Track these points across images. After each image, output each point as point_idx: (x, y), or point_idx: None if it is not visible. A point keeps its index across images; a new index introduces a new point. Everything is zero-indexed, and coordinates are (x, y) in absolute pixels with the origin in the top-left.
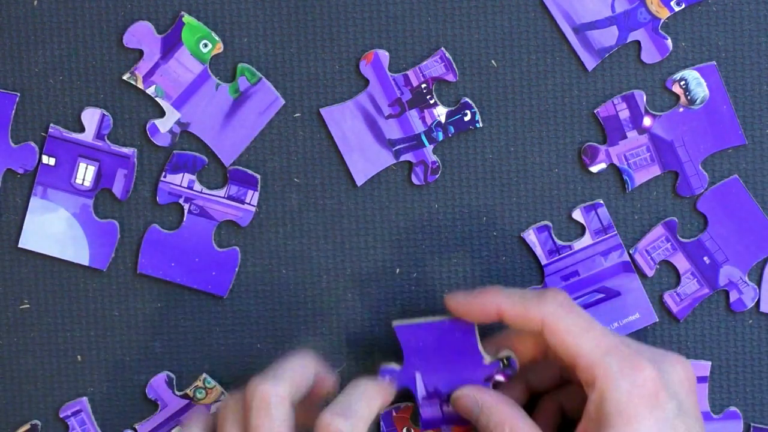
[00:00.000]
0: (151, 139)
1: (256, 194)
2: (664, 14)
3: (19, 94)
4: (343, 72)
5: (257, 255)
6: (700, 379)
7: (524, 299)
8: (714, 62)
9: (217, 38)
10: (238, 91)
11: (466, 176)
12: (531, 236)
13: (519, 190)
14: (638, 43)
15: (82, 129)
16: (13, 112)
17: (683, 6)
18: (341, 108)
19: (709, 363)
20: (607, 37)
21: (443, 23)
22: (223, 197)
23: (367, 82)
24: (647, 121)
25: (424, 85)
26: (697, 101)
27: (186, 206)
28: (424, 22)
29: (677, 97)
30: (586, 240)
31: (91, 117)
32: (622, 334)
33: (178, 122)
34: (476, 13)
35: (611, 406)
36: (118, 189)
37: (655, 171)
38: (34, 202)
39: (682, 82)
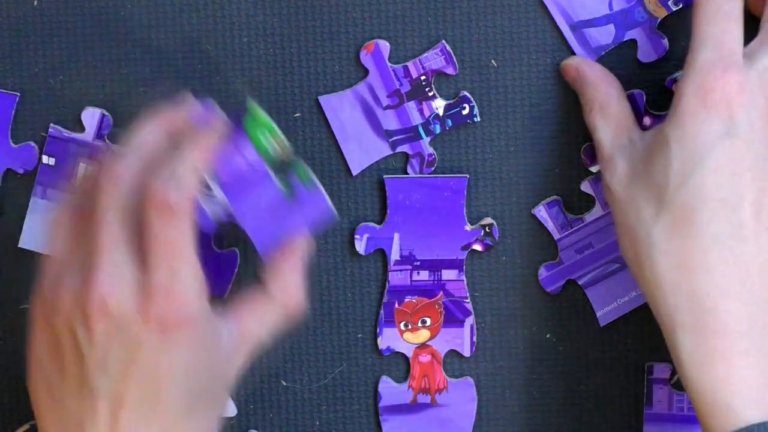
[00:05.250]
0: (197, 220)
1: None
2: (661, 13)
3: (18, 94)
4: (343, 72)
5: (257, 255)
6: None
7: None
8: None
9: (279, 134)
10: (289, 188)
11: (465, 170)
12: (542, 212)
13: (519, 189)
14: (635, 41)
15: (82, 129)
16: (13, 112)
17: (681, 6)
18: (339, 97)
19: None
20: (604, 35)
21: (443, 23)
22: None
23: (366, 72)
24: (647, 122)
25: (423, 77)
26: None
27: None
28: (424, 21)
29: None
30: (597, 211)
31: (91, 117)
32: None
33: (226, 209)
34: (476, 13)
35: (677, 96)
36: None
37: None
38: (34, 202)
39: None
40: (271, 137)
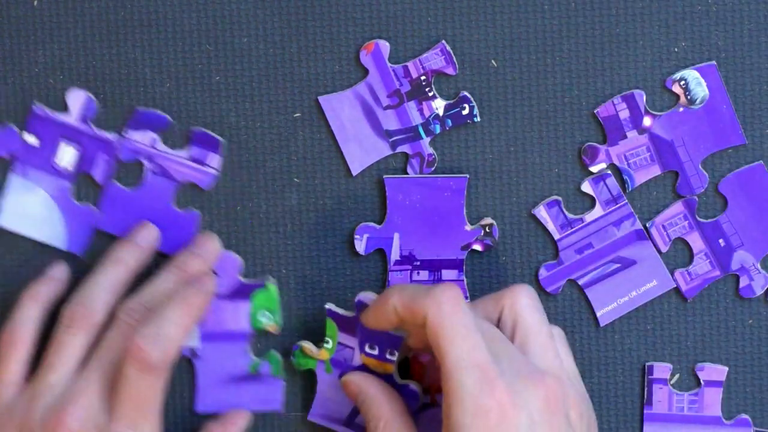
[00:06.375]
0: None
1: (218, 157)
2: None
3: None
4: (343, 72)
5: (257, 255)
6: (715, 384)
7: (414, 295)
8: (714, 62)
9: (279, 320)
10: (256, 370)
11: (465, 170)
12: (542, 212)
13: (519, 190)
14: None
15: (66, 110)
16: None
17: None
18: (339, 97)
19: (726, 368)
20: None
21: (443, 23)
22: (185, 158)
23: (366, 72)
24: (647, 121)
25: (423, 78)
26: (697, 101)
27: (147, 165)
28: (424, 21)
29: (677, 97)
30: (597, 211)
31: (76, 98)
32: (505, 345)
33: (192, 349)
34: (476, 13)
35: (454, 425)
36: (98, 173)
37: (655, 171)
38: (14, 180)
39: (682, 82)
40: (270, 321)
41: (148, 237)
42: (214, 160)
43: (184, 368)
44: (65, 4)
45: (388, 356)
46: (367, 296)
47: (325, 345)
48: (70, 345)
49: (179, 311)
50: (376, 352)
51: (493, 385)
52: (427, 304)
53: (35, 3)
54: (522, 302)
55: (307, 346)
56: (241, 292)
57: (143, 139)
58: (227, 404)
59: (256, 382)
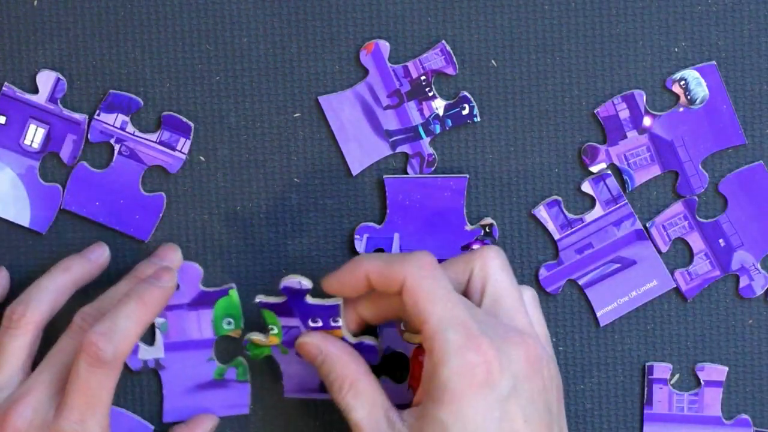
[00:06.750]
0: (127, 363)
1: (188, 142)
2: None
3: None
4: (343, 72)
5: (258, 255)
6: (715, 384)
7: (389, 261)
8: (714, 62)
9: (242, 324)
10: (221, 376)
11: (465, 170)
12: (542, 212)
13: (519, 190)
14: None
15: (35, 90)
16: None
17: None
18: (339, 97)
19: (726, 368)
20: None
21: (443, 23)
22: (155, 142)
23: (366, 72)
24: (647, 121)
25: (423, 78)
26: (697, 101)
27: (117, 147)
28: (424, 21)
29: (677, 97)
30: (597, 211)
31: (46, 79)
32: (478, 309)
33: (157, 360)
34: (476, 13)
35: (440, 382)
36: (65, 154)
37: (655, 171)
38: None
39: (682, 82)
40: (234, 327)
41: (99, 254)
42: (185, 145)
43: (150, 380)
44: (65, 4)
45: (332, 323)
46: (292, 282)
47: (272, 332)
48: (11, 346)
49: (133, 306)
50: (320, 323)
51: (478, 341)
52: (405, 269)
53: (35, 3)
54: (492, 263)
55: (255, 337)
56: (203, 301)
57: (113, 121)
58: (194, 412)
59: (223, 387)
